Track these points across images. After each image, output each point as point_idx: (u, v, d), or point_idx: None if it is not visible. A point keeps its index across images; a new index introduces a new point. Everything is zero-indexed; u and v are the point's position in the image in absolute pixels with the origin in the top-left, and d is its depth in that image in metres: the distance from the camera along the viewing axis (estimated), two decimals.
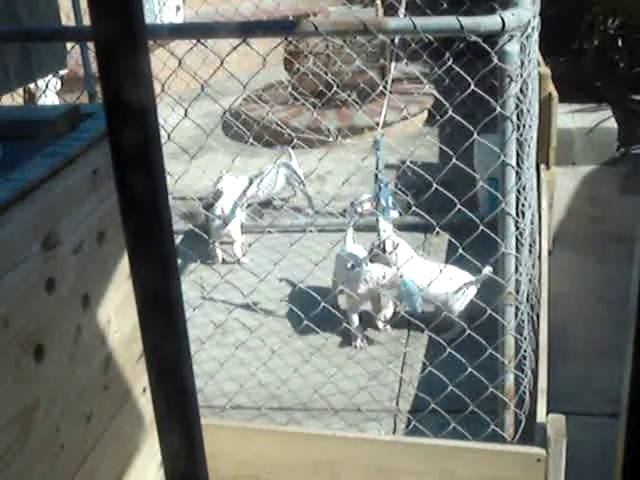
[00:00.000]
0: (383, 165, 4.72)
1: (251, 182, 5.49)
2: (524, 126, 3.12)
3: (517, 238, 3.02)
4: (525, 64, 3.06)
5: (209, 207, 5.19)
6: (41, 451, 1.68)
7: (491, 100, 2.81)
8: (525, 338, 3.20)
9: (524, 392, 3.18)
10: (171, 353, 0.75)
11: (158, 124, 0.70)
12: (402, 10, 7.01)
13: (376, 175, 4.62)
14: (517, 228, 2.99)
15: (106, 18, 0.64)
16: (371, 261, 4.26)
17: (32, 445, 1.64)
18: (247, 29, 2.95)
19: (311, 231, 4.77)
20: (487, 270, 3.83)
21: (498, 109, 2.78)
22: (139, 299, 0.72)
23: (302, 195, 5.78)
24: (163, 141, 0.74)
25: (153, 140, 0.69)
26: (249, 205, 5.51)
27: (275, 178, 5.63)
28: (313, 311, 3.62)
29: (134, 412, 2.17)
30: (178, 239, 5.40)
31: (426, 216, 3.42)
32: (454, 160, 3.01)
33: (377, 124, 5.20)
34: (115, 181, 0.69)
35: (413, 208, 3.36)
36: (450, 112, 2.93)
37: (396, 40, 6.10)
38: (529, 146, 3.34)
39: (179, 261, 4.91)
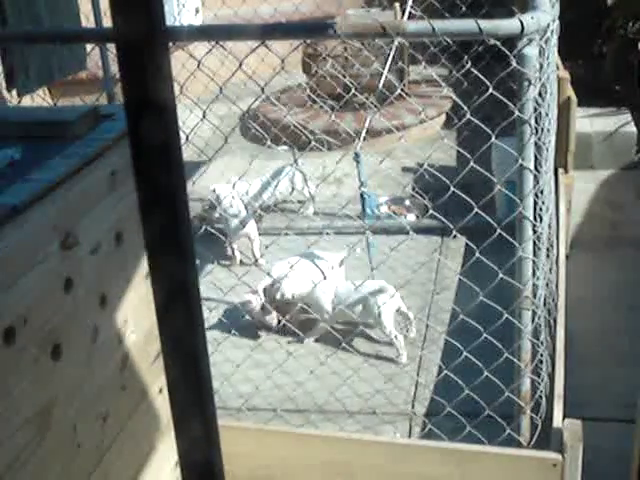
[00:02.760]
0: (366, 178, 4.81)
1: (258, 186, 5.51)
2: (542, 130, 3.11)
3: (534, 242, 3.01)
4: (544, 67, 3.05)
5: (210, 213, 5.21)
6: (57, 450, 1.69)
7: (509, 103, 2.81)
8: (542, 342, 3.18)
9: (540, 397, 3.17)
10: (190, 347, 0.76)
11: (178, 124, 0.70)
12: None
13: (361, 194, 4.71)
14: (535, 232, 2.98)
15: (128, 20, 0.64)
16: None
17: (48, 444, 1.64)
18: (267, 31, 2.95)
19: (328, 233, 4.77)
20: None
21: (516, 112, 2.77)
22: (158, 295, 0.73)
23: (309, 197, 5.77)
24: (182, 143, 0.75)
25: (173, 139, 0.69)
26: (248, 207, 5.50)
27: (277, 181, 5.62)
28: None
29: (150, 412, 2.17)
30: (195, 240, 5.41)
31: (443, 219, 3.41)
32: (472, 163, 3.01)
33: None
34: (135, 180, 0.70)
35: (430, 211, 3.36)
36: (468, 115, 2.93)
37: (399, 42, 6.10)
38: (547, 150, 3.33)
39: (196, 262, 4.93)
